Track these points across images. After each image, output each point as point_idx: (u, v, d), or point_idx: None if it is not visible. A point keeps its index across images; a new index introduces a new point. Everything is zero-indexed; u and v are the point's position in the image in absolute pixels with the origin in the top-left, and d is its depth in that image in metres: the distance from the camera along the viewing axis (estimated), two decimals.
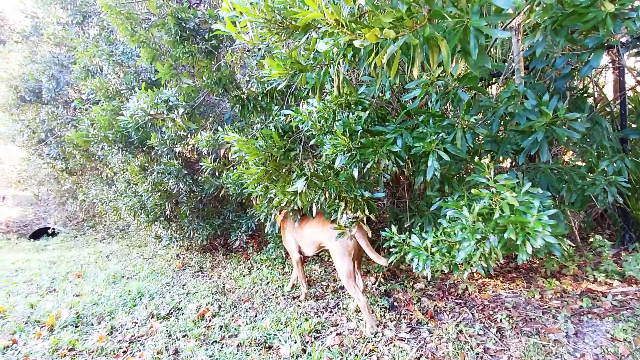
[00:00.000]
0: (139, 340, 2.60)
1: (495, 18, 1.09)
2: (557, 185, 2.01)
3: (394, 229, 1.92)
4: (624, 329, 2.16)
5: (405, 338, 2.35)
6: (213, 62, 3.13)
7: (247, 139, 2.22)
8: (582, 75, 2.23)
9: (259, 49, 2.92)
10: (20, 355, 2.45)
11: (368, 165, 1.92)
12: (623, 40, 2.18)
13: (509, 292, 2.85)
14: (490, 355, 2.12)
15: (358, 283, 2.66)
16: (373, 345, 2.29)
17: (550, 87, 2.11)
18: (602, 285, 2.74)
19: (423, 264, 1.76)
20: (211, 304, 3.11)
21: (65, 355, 2.44)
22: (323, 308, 2.90)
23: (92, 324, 2.90)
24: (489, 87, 3.22)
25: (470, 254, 1.60)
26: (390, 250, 1.92)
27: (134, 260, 5.11)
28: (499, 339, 2.26)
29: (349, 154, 1.93)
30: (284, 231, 3.13)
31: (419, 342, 2.30)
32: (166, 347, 2.45)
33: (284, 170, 2.29)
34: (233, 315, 2.89)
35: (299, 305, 2.98)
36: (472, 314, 2.60)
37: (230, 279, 3.82)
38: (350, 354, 2.22)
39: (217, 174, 3.69)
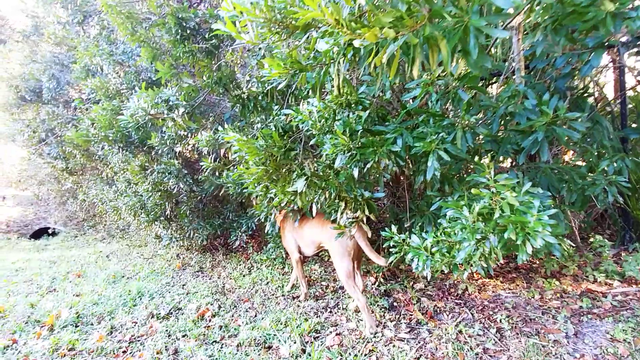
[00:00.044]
0: (138, 340, 2.60)
1: (495, 18, 1.09)
2: (558, 185, 2.01)
3: (394, 228, 1.92)
4: (623, 330, 2.15)
5: (404, 338, 2.35)
6: (213, 62, 3.13)
7: (247, 139, 2.22)
8: (582, 75, 2.23)
9: (260, 49, 2.92)
10: (20, 355, 2.45)
11: (368, 165, 1.92)
12: (623, 39, 2.18)
13: (508, 293, 2.85)
14: (490, 356, 2.12)
15: (358, 283, 2.66)
16: (373, 345, 2.29)
17: (550, 86, 2.10)
18: (602, 285, 2.73)
19: (423, 264, 1.76)
20: (211, 304, 3.11)
21: (65, 355, 2.44)
22: (323, 308, 2.90)
23: (92, 324, 2.90)
24: (490, 86, 3.22)
25: (470, 254, 1.60)
26: (390, 250, 1.92)
27: (134, 260, 5.12)
28: (499, 339, 2.26)
29: (349, 153, 1.93)
30: (284, 231, 3.13)
31: (419, 343, 2.30)
32: (166, 347, 2.45)
33: (284, 170, 2.29)
34: (233, 315, 2.89)
35: (298, 306, 2.98)
36: (472, 314, 2.59)
37: (230, 278, 3.82)
38: (349, 354, 2.21)
39: (217, 173, 3.69)
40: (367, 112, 2.03)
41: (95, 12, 5.54)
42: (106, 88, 4.12)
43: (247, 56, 3.29)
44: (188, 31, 2.98)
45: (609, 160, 1.96)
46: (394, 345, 2.27)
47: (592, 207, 3.43)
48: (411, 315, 2.65)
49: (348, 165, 1.97)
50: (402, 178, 2.98)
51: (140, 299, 3.37)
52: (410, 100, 2.24)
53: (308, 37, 1.52)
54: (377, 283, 3.18)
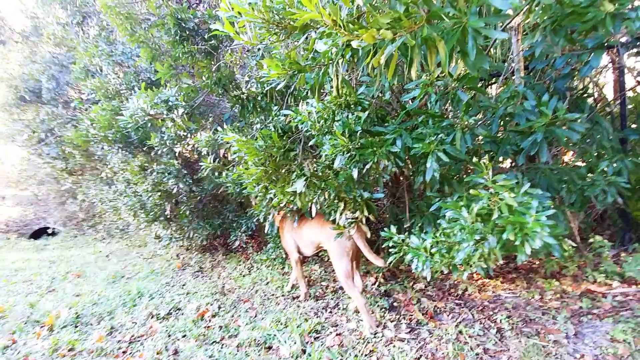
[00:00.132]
0: (138, 341, 2.60)
1: (493, 19, 1.09)
2: (557, 185, 2.01)
3: (394, 229, 1.92)
4: (623, 330, 2.15)
5: (405, 338, 2.35)
6: (213, 62, 3.13)
7: (246, 139, 2.22)
8: (582, 76, 2.23)
9: (258, 49, 2.92)
10: (19, 355, 2.45)
11: (367, 166, 1.92)
12: (623, 40, 2.18)
13: (508, 293, 2.85)
14: (490, 356, 2.12)
15: (357, 283, 2.66)
16: (373, 345, 2.29)
17: (550, 87, 2.10)
18: (602, 286, 2.73)
19: (422, 264, 1.76)
20: (211, 304, 3.11)
21: (64, 355, 2.44)
22: (323, 308, 2.90)
23: (91, 324, 2.90)
24: (489, 87, 3.22)
25: (469, 254, 1.60)
26: (390, 250, 1.92)
27: (134, 260, 5.12)
28: (499, 340, 2.26)
29: (349, 154, 1.93)
30: (283, 231, 3.13)
31: (419, 343, 2.30)
32: (166, 347, 2.45)
33: (283, 171, 2.29)
34: (233, 316, 2.89)
35: (298, 306, 2.98)
36: (472, 314, 2.59)
37: (230, 279, 3.82)
38: (349, 354, 2.21)
39: (216, 173, 3.69)
40: (366, 112, 2.03)
41: (95, 13, 5.54)
42: (105, 88, 4.12)
43: (246, 57, 3.28)
44: (187, 32, 2.99)
45: (609, 160, 1.96)
46: (394, 346, 2.27)
47: (591, 208, 3.42)
48: (411, 315, 2.65)
49: (347, 166, 1.97)
50: (401, 178, 2.98)
51: (140, 299, 3.37)
52: (410, 101, 2.24)
53: (306, 38, 1.52)
54: (377, 283, 3.18)
